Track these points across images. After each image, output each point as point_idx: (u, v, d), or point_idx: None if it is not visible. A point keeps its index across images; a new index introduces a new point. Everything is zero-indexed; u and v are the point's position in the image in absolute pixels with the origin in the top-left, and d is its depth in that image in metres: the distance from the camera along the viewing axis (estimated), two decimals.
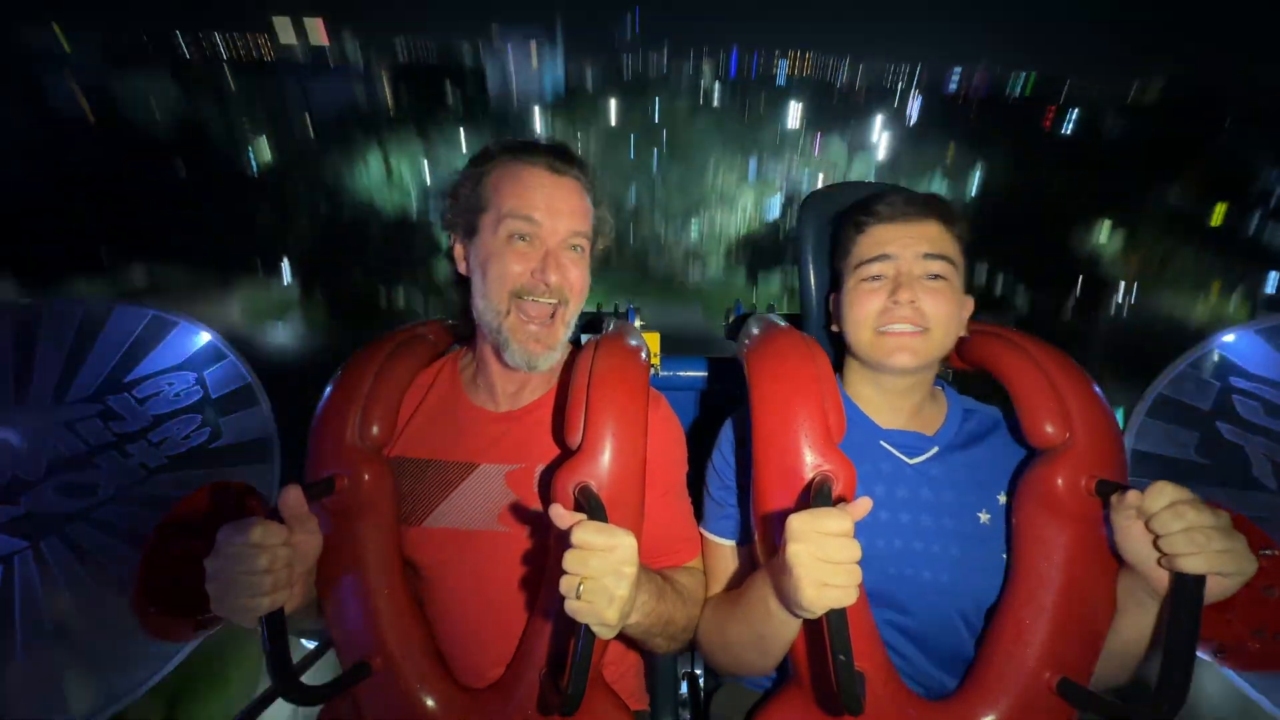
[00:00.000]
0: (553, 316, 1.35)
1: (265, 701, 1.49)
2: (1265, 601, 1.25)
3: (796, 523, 0.97)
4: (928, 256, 1.31)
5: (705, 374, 2.12)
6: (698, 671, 1.76)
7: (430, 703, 1.26)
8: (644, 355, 1.41)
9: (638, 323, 2.01)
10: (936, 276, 1.31)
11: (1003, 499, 1.33)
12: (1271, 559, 1.30)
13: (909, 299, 1.28)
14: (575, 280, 1.37)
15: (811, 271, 1.68)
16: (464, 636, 1.35)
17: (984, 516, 1.32)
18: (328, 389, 1.43)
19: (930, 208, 1.35)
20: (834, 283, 1.50)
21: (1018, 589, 1.23)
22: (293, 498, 1.12)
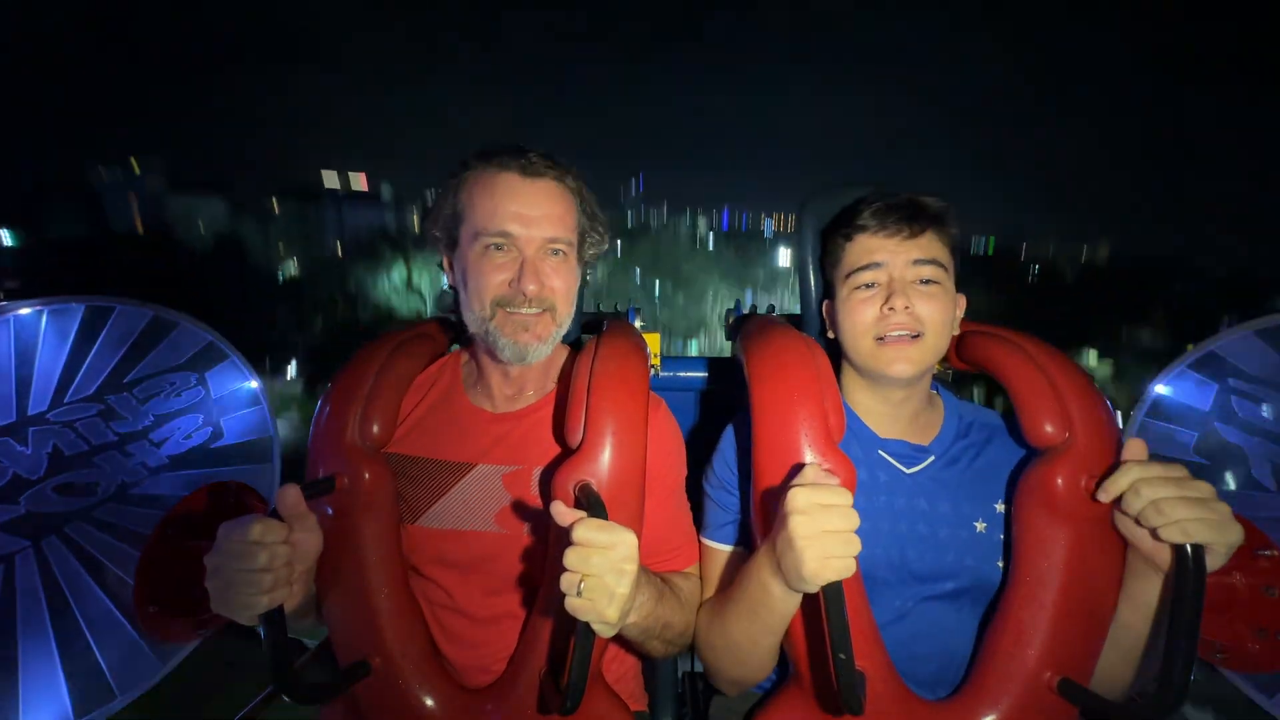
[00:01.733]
0: (541, 314, 1.33)
1: (265, 701, 1.50)
2: (1266, 601, 1.25)
3: (798, 496, 0.98)
4: (918, 263, 1.32)
5: (705, 374, 2.12)
6: (697, 672, 1.75)
7: (429, 702, 1.26)
8: (644, 355, 1.41)
9: (638, 323, 2.01)
10: (928, 281, 1.32)
11: (1000, 508, 1.33)
12: (1271, 559, 1.30)
13: (903, 305, 1.29)
14: (557, 288, 1.33)
15: (812, 275, 1.68)
16: (461, 636, 1.35)
17: (980, 526, 1.32)
18: (329, 388, 1.43)
19: (916, 217, 1.33)
20: (827, 290, 1.50)
21: (1018, 589, 1.23)
22: (290, 497, 1.12)
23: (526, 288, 1.27)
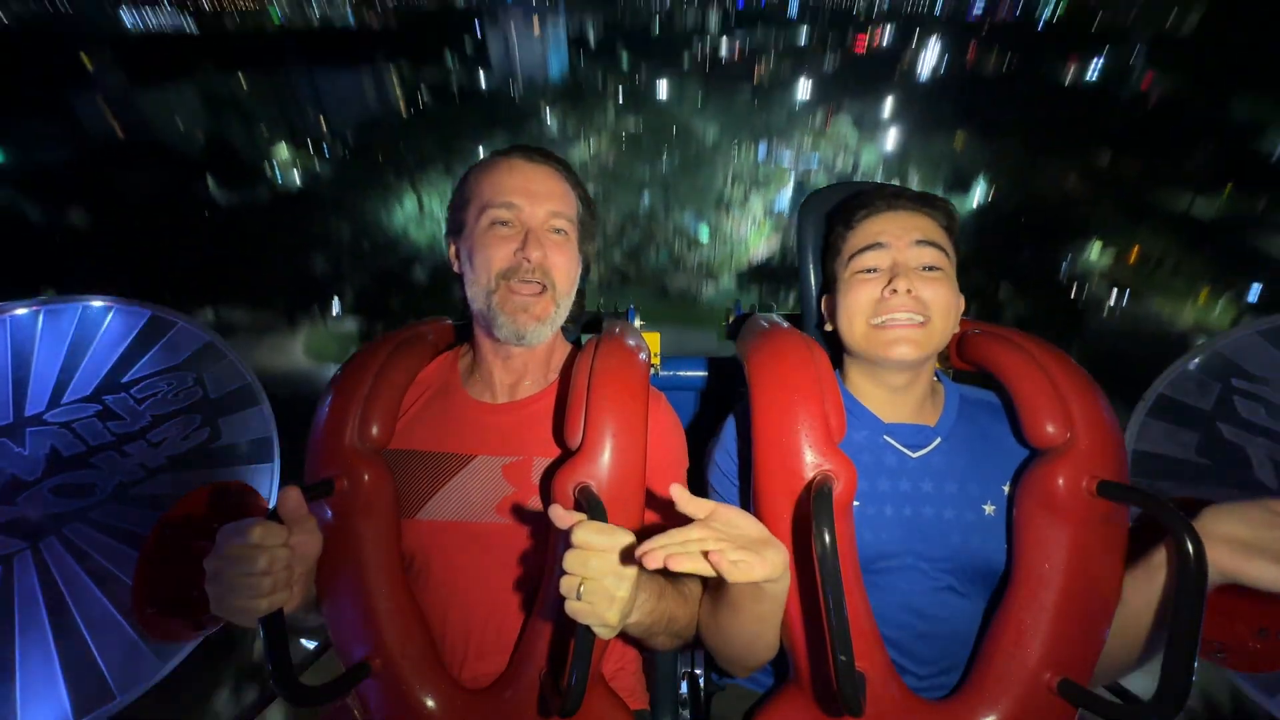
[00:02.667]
0: (541, 293, 1.35)
1: (265, 702, 1.50)
2: (1268, 601, 1.24)
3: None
4: (921, 243, 1.31)
5: (705, 374, 2.12)
6: (698, 671, 1.76)
7: (430, 703, 1.26)
8: (644, 355, 1.41)
9: (638, 322, 2.01)
10: (932, 267, 1.31)
11: (1007, 489, 1.33)
12: None
13: (906, 287, 1.27)
14: (559, 263, 1.38)
15: (811, 272, 1.68)
16: (461, 632, 1.35)
17: (989, 508, 1.31)
18: (327, 390, 1.43)
19: (921, 201, 1.36)
20: (827, 285, 1.49)
21: (1018, 589, 1.23)
22: (292, 499, 1.12)
23: (531, 254, 1.32)
